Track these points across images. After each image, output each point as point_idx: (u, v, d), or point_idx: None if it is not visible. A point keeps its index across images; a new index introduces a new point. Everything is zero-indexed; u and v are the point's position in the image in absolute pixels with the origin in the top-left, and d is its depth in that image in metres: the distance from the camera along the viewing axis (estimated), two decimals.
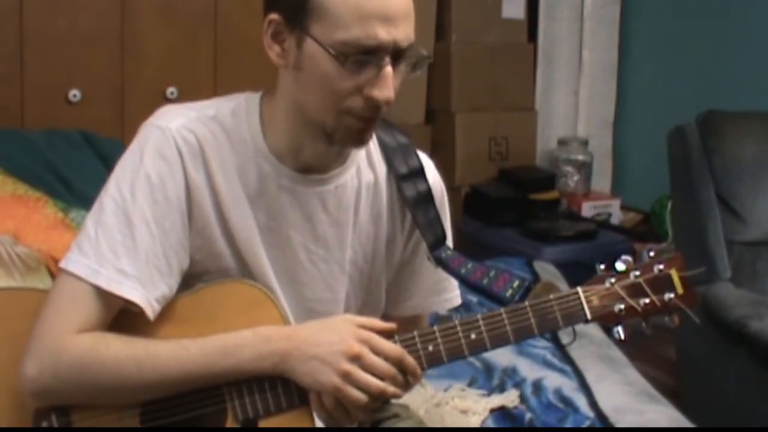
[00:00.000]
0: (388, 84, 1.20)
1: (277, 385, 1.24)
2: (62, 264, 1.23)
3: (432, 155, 1.46)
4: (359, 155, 1.36)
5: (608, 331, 1.32)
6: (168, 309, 1.26)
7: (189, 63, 2.89)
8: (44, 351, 1.20)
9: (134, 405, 1.25)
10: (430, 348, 1.25)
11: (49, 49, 2.66)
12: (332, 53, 1.19)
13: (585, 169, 4.17)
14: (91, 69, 2.74)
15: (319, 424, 1.26)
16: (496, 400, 1.98)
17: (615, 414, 1.91)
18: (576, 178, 4.14)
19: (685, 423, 1.93)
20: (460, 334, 1.25)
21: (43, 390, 1.21)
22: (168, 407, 1.24)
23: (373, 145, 1.38)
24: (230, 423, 1.24)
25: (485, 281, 1.35)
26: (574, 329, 1.31)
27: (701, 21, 3.94)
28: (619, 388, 2.06)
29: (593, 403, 1.96)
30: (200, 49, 2.90)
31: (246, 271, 1.31)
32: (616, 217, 4.16)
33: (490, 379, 2.09)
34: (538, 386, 2.04)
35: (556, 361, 2.17)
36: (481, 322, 1.26)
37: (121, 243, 1.22)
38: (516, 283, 1.33)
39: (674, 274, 1.29)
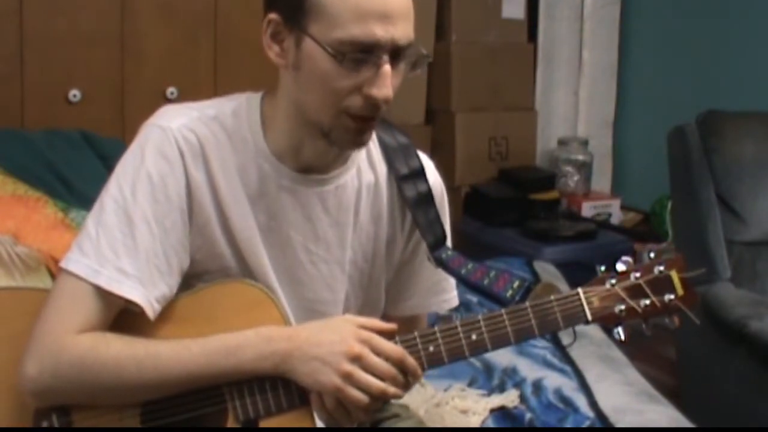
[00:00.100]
0: (386, 83, 1.20)
1: (277, 386, 1.24)
2: (63, 264, 1.23)
3: (432, 155, 1.46)
4: (360, 156, 1.36)
5: (608, 331, 1.32)
6: (168, 309, 1.26)
7: (189, 63, 2.89)
8: (44, 351, 1.20)
9: (135, 405, 1.25)
10: (431, 348, 1.25)
11: (49, 49, 2.66)
12: (330, 52, 1.19)
13: (585, 169, 4.17)
14: (91, 69, 2.74)
15: (319, 424, 1.26)
16: (496, 400, 1.98)
17: (615, 414, 1.91)
18: (576, 178, 4.14)
19: (685, 423, 1.93)
20: (461, 334, 1.25)
21: (43, 390, 1.21)
22: (168, 407, 1.24)
23: (374, 145, 1.38)
24: (231, 423, 1.24)
25: (485, 281, 1.35)
26: (575, 330, 1.32)
27: (701, 21, 3.94)
28: (619, 388, 2.06)
29: (593, 403, 1.96)
30: (200, 49, 2.90)
31: (246, 271, 1.31)
32: (616, 217, 4.16)
33: (490, 379, 2.10)
34: (538, 386, 2.05)
35: (556, 361, 2.17)
36: (481, 323, 1.26)
37: (121, 242, 1.22)
38: (516, 284, 1.34)
39: (674, 275, 1.29)
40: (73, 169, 2.34)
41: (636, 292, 1.29)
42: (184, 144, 1.26)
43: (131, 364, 1.20)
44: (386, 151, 1.39)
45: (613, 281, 1.29)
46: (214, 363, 1.21)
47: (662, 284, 1.29)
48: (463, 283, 1.39)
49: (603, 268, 1.30)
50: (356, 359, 1.20)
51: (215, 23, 2.91)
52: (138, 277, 1.22)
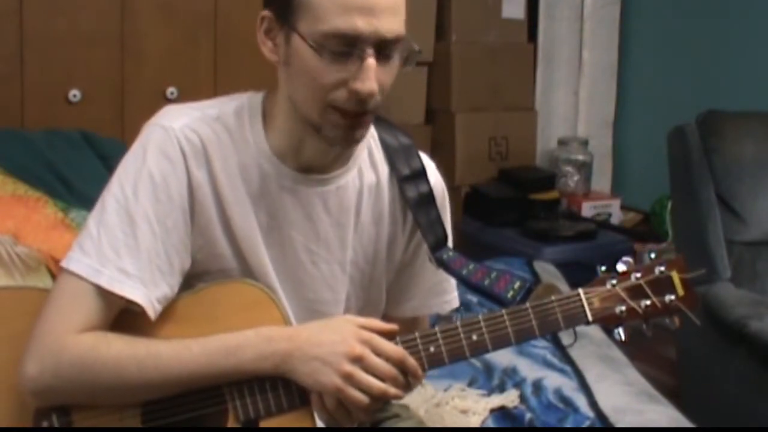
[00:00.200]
0: (369, 76, 1.19)
1: (278, 386, 1.24)
2: (64, 263, 1.23)
3: (432, 155, 1.45)
4: (361, 156, 1.36)
5: (609, 332, 1.32)
6: (169, 309, 1.26)
7: (189, 63, 2.89)
8: (45, 350, 1.20)
9: (135, 405, 1.24)
10: (432, 349, 1.25)
11: (49, 49, 2.66)
12: (311, 45, 1.19)
13: (585, 169, 4.17)
14: (91, 69, 2.74)
15: (319, 424, 1.26)
16: (496, 400, 1.98)
17: (615, 414, 1.91)
18: (576, 178, 4.14)
19: (685, 423, 1.93)
20: (462, 335, 1.25)
21: (43, 389, 1.21)
22: (169, 407, 1.24)
23: (376, 146, 1.38)
24: (231, 423, 1.24)
25: (486, 282, 1.35)
26: (575, 331, 1.32)
27: (701, 21, 3.94)
28: (619, 388, 2.06)
29: (593, 403, 1.96)
30: (200, 49, 2.90)
31: (247, 271, 1.31)
32: (616, 217, 4.16)
33: (490, 379, 2.09)
34: (538, 386, 2.04)
35: (556, 361, 2.17)
36: (482, 324, 1.26)
37: (123, 242, 1.22)
38: (517, 285, 1.34)
39: (675, 275, 1.29)
40: (73, 169, 2.34)
41: (637, 292, 1.29)
42: (186, 144, 1.26)
43: (132, 363, 1.20)
44: (388, 151, 1.39)
45: (614, 282, 1.29)
46: (215, 363, 1.21)
47: (663, 285, 1.29)
48: (464, 284, 1.39)
49: (604, 268, 1.30)
50: (357, 360, 1.20)
51: (215, 23, 2.91)
52: (139, 277, 1.22)
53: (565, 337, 2.13)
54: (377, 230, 1.39)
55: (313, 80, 1.21)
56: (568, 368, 2.13)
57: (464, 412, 1.94)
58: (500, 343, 1.27)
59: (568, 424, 1.89)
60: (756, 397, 2.32)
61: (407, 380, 1.24)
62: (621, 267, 1.30)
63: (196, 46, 2.89)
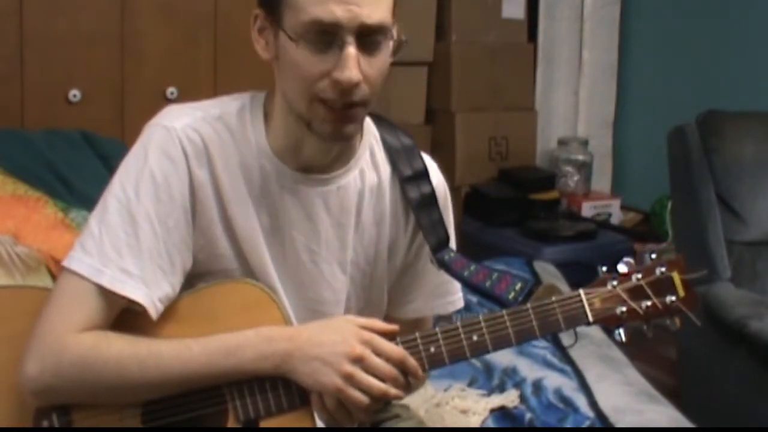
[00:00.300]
0: (349, 65, 1.18)
1: (278, 386, 1.24)
2: (65, 263, 1.23)
3: (432, 155, 1.45)
4: (363, 157, 1.36)
5: (609, 333, 1.32)
6: (170, 308, 1.26)
7: (189, 63, 2.89)
8: (46, 350, 1.20)
9: (135, 405, 1.24)
10: (432, 349, 1.25)
11: (49, 49, 2.66)
12: (292, 37, 1.19)
13: (585, 169, 4.17)
14: (91, 69, 2.74)
15: (320, 424, 1.26)
16: (496, 400, 1.98)
17: (615, 414, 1.91)
18: (576, 178, 4.14)
19: (685, 423, 1.93)
20: (462, 335, 1.25)
21: (44, 389, 1.21)
22: (169, 407, 1.24)
23: (378, 146, 1.38)
24: (231, 423, 1.24)
25: (488, 284, 1.35)
26: (576, 331, 1.31)
27: (701, 21, 3.94)
28: (619, 388, 2.06)
29: (593, 403, 1.96)
30: (200, 49, 2.90)
31: (248, 271, 1.31)
32: (616, 217, 4.16)
33: (490, 379, 2.10)
34: (538, 386, 2.04)
35: (556, 361, 2.17)
36: (482, 324, 1.26)
37: (124, 242, 1.22)
38: (518, 286, 1.33)
39: (676, 276, 1.29)
40: (73, 169, 2.34)
41: (637, 293, 1.29)
42: (188, 144, 1.26)
43: (133, 363, 1.20)
44: (390, 152, 1.38)
45: (615, 282, 1.29)
46: (215, 363, 1.21)
47: (664, 286, 1.29)
48: (465, 285, 1.39)
49: (605, 268, 1.30)
50: (357, 360, 1.20)
51: (215, 23, 2.91)
52: (141, 277, 1.22)
53: (566, 338, 2.13)
54: (378, 231, 1.39)
55: (299, 73, 1.21)
56: (568, 368, 2.13)
57: (464, 412, 1.94)
58: (501, 343, 1.27)
59: (568, 424, 1.89)
60: (756, 397, 2.32)
61: (408, 381, 1.24)
62: (622, 268, 1.30)
63: (196, 46, 2.89)
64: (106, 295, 1.21)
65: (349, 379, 1.19)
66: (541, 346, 2.22)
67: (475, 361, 2.13)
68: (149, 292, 1.22)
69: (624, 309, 1.28)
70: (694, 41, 3.98)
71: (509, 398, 1.99)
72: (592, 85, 4.29)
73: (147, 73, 2.82)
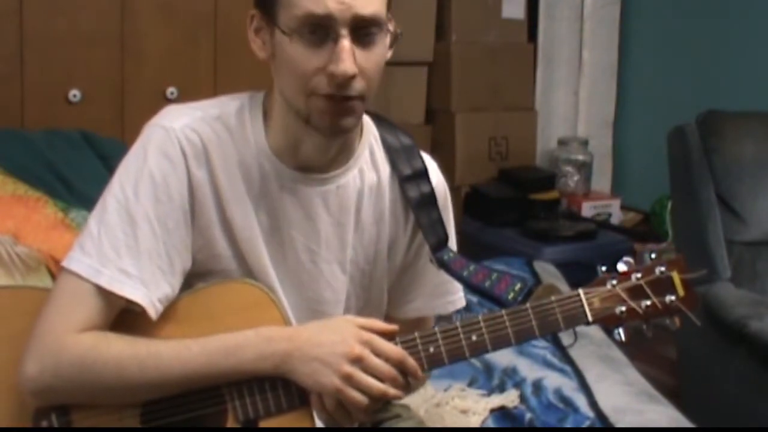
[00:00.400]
0: (343, 57, 1.18)
1: (277, 386, 1.24)
2: (64, 263, 1.23)
3: (432, 155, 1.45)
4: (362, 156, 1.36)
5: (609, 332, 1.32)
6: (169, 309, 1.26)
7: (189, 63, 2.89)
8: (45, 350, 1.20)
9: (135, 405, 1.24)
10: (431, 349, 1.25)
11: (49, 49, 2.66)
12: (286, 32, 1.19)
13: (585, 169, 4.17)
14: (91, 69, 2.74)
15: (319, 424, 1.26)
16: (496, 400, 1.98)
17: (615, 414, 1.91)
18: (576, 178, 4.14)
19: (685, 423, 1.93)
20: (461, 335, 1.25)
21: (43, 389, 1.21)
22: (168, 407, 1.24)
23: (377, 146, 1.38)
24: (231, 423, 1.24)
25: (487, 284, 1.35)
26: (575, 331, 1.31)
27: (701, 21, 3.94)
28: (619, 388, 2.06)
29: (593, 403, 1.96)
30: (200, 49, 2.90)
31: (247, 271, 1.31)
32: (616, 217, 4.16)
33: (490, 379, 2.09)
34: (538, 386, 2.04)
35: (556, 361, 2.17)
36: (482, 324, 1.26)
37: (123, 242, 1.22)
38: (518, 286, 1.33)
39: (676, 276, 1.29)
40: (73, 169, 2.34)
41: (637, 293, 1.28)
42: (187, 144, 1.26)
43: (132, 363, 1.20)
44: (389, 151, 1.38)
45: (614, 282, 1.29)
46: (214, 363, 1.21)
47: (663, 285, 1.29)
48: (465, 285, 1.39)
49: (604, 268, 1.30)
50: (357, 360, 1.20)
51: (215, 23, 2.91)
52: (140, 278, 1.22)
53: (566, 338, 2.13)
54: (378, 230, 1.38)
55: (295, 70, 1.21)
56: (568, 368, 2.13)
57: (464, 412, 1.94)
58: (500, 343, 1.27)
59: (568, 424, 1.89)
60: (756, 397, 2.32)
61: (407, 381, 1.24)
62: (621, 267, 1.29)
63: (196, 46, 2.89)
64: (105, 295, 1.21)
65: (348, 379, 1.19)
66: (541, 346, 2.22)
67: (475, 361, 2.13)
68: (148, 293, 1.22)
69: (623, 308, 1.28)
70: (694, 41, 3.98)
71: (509, 398, 1.99)
72: (592, 85, 4.29)
73: (147, 73, 2.82)
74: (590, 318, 1.28)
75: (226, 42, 2.90)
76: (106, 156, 2.39)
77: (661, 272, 1.29)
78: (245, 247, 1.30)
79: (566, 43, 4.24)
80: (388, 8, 1.25)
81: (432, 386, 1.99)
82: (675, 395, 2.34)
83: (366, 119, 1.37)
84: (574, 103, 4.31)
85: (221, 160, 1.28)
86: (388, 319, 1.40)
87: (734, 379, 2.38)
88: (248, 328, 1.23)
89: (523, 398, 2.00)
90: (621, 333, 1.29)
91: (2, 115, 2.60)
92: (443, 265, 1.37)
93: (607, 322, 1.29)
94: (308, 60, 1.20)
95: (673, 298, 1.29)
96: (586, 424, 1.89)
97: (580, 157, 4.15)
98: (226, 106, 1.31)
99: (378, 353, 1.22)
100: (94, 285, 1.21)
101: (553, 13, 4.19)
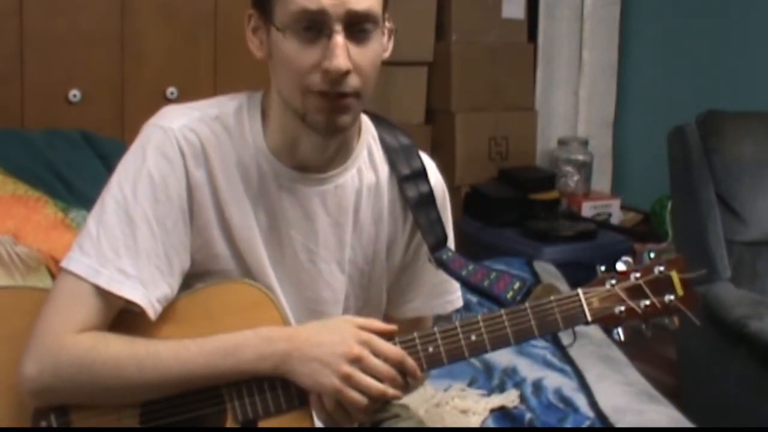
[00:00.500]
0: (337, 53, 1.18)
1: (276, 386, 1.24)
2: (63, 263, 1.23)
3: (432, 155, 1.45)
4: (361, 156, 1.36)
5: (608, 332, 1.32)
6: (168, 309, 1.26)
7: (189, 63, 2.89)
8: (44, 350, 1.20)
9: (134, 405, 1.24)
10: (430, 349, 1.25)
11: (49, 49, 2.66)
12: (280, 29, 1.20)
13: (585, 169, 4.17)
14: (91, 69, 2.74)
15: (318, 424, 1.26)
16: (496, 400, 1.98)
17: (615, 414, 1.91)
18: (576, 178, 4.14)
19: (685, 423, 1.93)
20: (460, 335, 1.25)
21: (42, 389, 1.21)
22: (167, 408, 1.24)
23: (376, 145, 1.38)
24: (230, 423, 1.24)
25: (486, 283, 1.35)
26: (575, 331, 1.31)
27: (701, 21, 3.94)
28: (619, 388, 2.06)
29: (593, 403, 1.96)
30: (200, 49, 2.90)
31: (246, 271, 1.31)
32: (616, 217, 4.16)
33: (490, 379, 2.09)
34: (538, 386, 2.04)
35: (556, 361, 2.17)
36: (481, 324, 1.26)
37: (122, 242, 1.22)
38: (517, 285, 1.33)
39: (675, 275, 1.29)
40: (73, 169, 2.34)
41: (636, 292, 1.28)
42: (185, 144, 1.26)
43: (131, 363, 1.20)
44: (388, 151, 1.38)
45: (613, 282, 1.29)
46: (213, 363, 1.21)
47: (662, 285, 1.29)
48: (464, 284, 1.39)
49: (603, 268, 1.30)
50: (356, 361, 1.20)
51: (215, 23, 2.91)
52: (139, 278, 1.22)
53: (565, 337, 2.13)
54: (377, 230, 1.38)
55: (290, 67, 1.21)
56: (568, 368, 2.13)
57: (464, 412, 1.94)
58: (499, 343, 1.27)
59: (568, 424, 1.89)
60: (756, 397, 2.32)
61: (406, 381, 1.24)
62: (620, 267, 1.29)
63: (196, 46, 2.89)
64: (104, 295, 1.21)
65: (347, 379, 1.19)
66: (541, 346, 2.22)
67: (474, 361, 2.13)
68: (147, 293, 1.22)
69: (622, 308, 1.28)
70: (694, 41, 3.98)
71: (509, 398, 1.99)
72: (592, 85, 4.29)
73: (147, 73, 2.82)
74: (589, 318, 1.28)
75: (226, 42, 2.90)
76: (106, 156, 2.39)
77: (660, 272, 1.29)
78: (244, 247, 1.30)
79: (566, 43, 4.24)
80: (385, 7, 1.25)
81: (432, 386, 1.99)
82: (675, 395, 2.34)
83: (364, 119, 1.37)
84: (574, 103, 4.32)
85: (219, 160, 1.28)
86: (386, 318, 1.40)
87: (734, 379, 2.38)
88: (247, 329, 1.23)
89: (523, 398, 2.00)
90: (620, 333, 1.29)
91: (2, 115, 2.60)
92: (442, 264, 1.37)
93: (606, 322, 1.29)
94: (303, 56, 1.20)
95: (672, 297, 1.28)
96: (586, 424, 1.89)
97: (580, 157, 4.15)
98: (224, 106, 1.31)
99: (377, 353, 1.22)
100: (93, 285, 1.21)
101: (553, 13, 4.19)
